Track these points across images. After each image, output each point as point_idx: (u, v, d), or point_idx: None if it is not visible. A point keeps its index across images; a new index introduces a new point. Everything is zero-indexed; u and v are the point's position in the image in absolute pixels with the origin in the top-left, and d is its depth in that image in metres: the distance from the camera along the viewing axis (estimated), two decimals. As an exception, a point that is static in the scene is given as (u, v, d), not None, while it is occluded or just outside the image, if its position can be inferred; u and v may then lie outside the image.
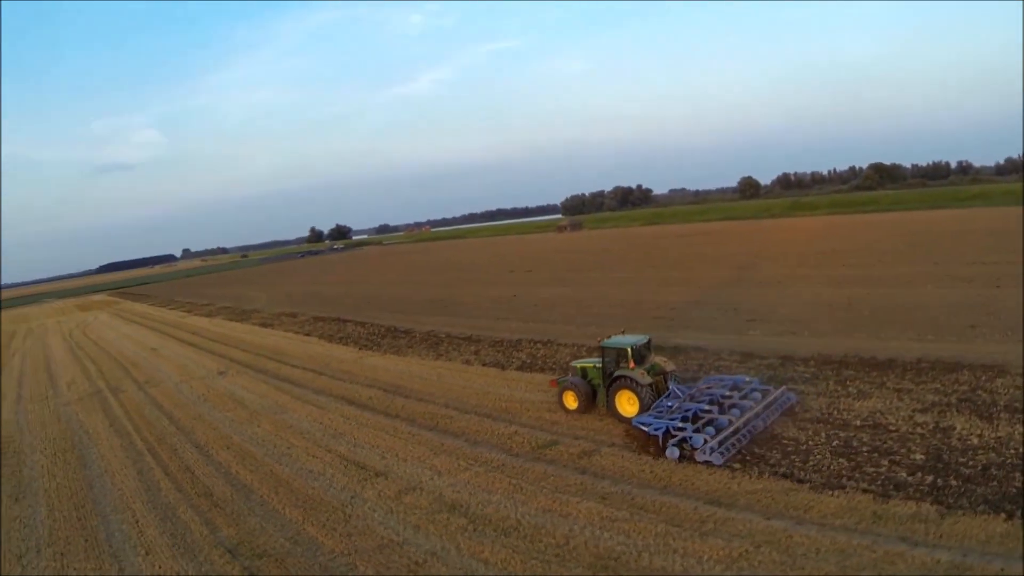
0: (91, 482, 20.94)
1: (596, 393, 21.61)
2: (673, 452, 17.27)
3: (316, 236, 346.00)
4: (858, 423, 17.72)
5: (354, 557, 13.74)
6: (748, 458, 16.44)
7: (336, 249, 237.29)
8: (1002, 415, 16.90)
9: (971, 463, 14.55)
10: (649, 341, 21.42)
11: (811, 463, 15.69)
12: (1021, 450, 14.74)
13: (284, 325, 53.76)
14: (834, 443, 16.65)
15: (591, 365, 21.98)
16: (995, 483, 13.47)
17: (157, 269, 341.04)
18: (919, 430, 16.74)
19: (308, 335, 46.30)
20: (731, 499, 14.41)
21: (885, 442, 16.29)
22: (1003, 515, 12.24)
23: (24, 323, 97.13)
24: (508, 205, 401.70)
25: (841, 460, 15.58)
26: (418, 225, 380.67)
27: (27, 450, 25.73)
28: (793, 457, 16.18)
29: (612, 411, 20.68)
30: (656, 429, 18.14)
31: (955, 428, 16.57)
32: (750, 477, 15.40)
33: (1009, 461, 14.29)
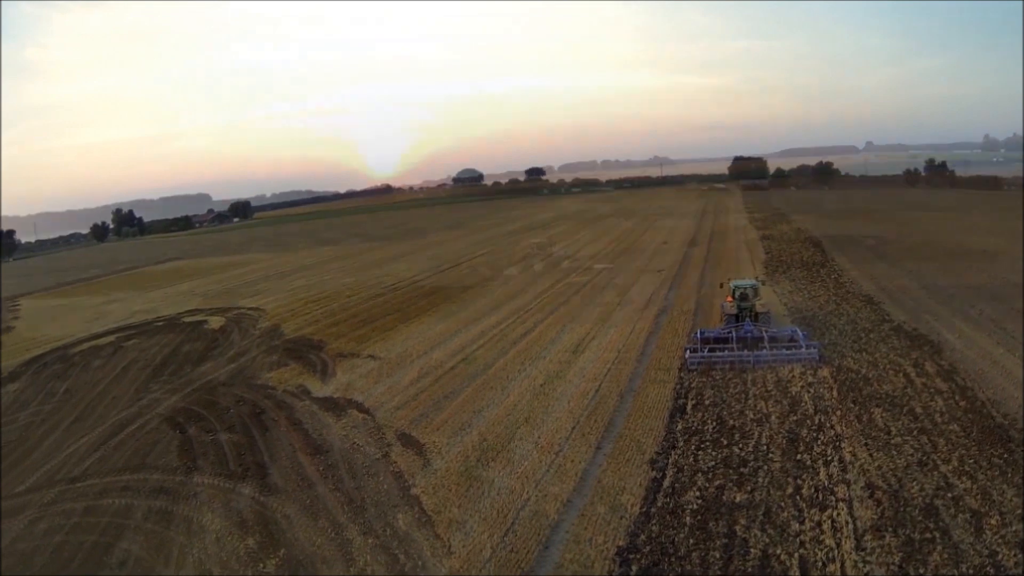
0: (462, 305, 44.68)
1: None
2: (686, 353, 28.08)
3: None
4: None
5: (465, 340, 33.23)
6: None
7: None
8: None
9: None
10: (756, 287, 32.02)
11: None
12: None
13: (781, 248, 59.41)
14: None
15: None
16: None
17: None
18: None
19: (777, 271, 48.77)
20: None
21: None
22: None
23: (587, 207, 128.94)
24: None
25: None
26: None
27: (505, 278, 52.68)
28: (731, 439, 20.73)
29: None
30: (693, 336, 30.02)
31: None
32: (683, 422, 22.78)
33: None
